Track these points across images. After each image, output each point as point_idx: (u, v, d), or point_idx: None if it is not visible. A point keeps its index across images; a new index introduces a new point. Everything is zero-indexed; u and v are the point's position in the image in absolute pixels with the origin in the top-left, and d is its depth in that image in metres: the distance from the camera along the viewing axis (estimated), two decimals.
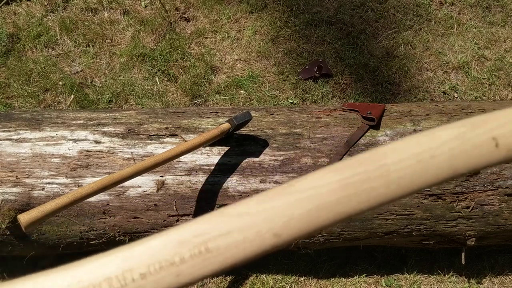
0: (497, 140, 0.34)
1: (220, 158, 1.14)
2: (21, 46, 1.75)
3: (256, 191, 1.10)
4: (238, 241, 0.32)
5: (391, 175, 0.34)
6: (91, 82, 1.69)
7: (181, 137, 1.17)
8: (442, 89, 1.73)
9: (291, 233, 0.32)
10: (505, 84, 1.76)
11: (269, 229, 0.32)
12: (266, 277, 1.37)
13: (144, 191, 1.12)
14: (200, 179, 1.12)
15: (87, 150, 1.14)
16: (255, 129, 1.20)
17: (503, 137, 0.35)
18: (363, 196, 0.34)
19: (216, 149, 1.15)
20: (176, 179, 1.12)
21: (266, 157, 1.15)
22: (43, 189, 1.10)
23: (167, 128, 1.19)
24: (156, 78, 1.70)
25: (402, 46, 1.81)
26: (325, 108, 1.29)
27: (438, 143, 0.35)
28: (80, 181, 1.11)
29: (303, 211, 0.33)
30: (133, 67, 1.72)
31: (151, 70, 1.72)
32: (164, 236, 0.32)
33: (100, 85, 1.68)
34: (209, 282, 1.37)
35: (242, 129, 1.19)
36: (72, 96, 1.64)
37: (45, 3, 1.86)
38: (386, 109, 1.28)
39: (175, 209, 1.12)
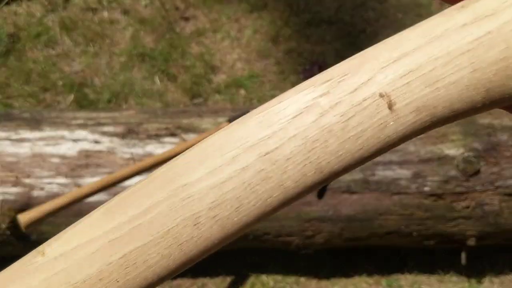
0: (389, 97, 0.19)
1: None
2: (21, 46, 1.75)
3: None
4: None
5: (194, 205, 0.19)
6: (91, 82, 1.69)
7: (181, 137, 1.17)
8: None
9: None
10: None
11: None
12: (266, 278, 1.37)
13: None
14: None
15: (87, 150, 1.14)
16: None
17: (400, 88, 0.19)
18: (154, 251, 0.19)
19: None
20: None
21: None
22: (42, 189, 1.10)
23: (167, 128, 1.19)
24: (156, 78, 1.70)
25: None
26: None
27: (277, 127, 0.19)
28: (79, 181, 1.11)
29: None
30: (133, 67, 1.72)
31: (151, 69, 1.71)
32: None
33: (100, 85, 1.68)
34: (209, 282, 1.37)
35: None
36: (72, 96, 1.64)
37: (46, 3, 1.86)
38: None
39: None
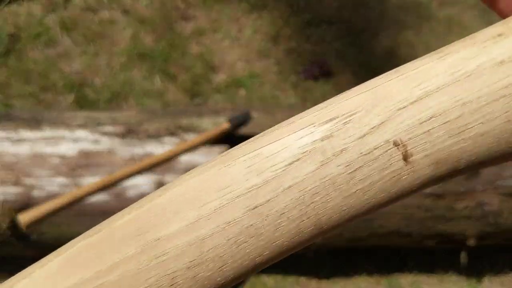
0: (405, 146, 0.16)
1: None
2: (22, 46, 1.75)
3: None
4: None
5: (170, 263, 0.16)
6: (91, 82, 1.69)
7: (181, 137, 1.17)
8: None
9: None
10: None
11: None
12: (266, 277, 1.37)
13: (144, 191, 1.12)
14: None
15: (87, 150, 1.14)
16: (255, 129, 1.20)
17: (419, 136, 0.16)
18: None
19: (216, 149, 1.15)
20: (176, 179, 1.12)
21: None
22: (42, 189, 1.10)
23: (167, 128, 1.19)
24: (156, 78, 1.70)
25: (403, 46, 1.81)
26: None
27: (268, 175, 0.16)
28: (79, 181, 1.11)
29: None
30: (133, 67, 1.72)
31: (151, 69, 1.72)
32: None
33: (100, 85, 1.68)
34: None
35: (242, 129, 1.19)
36: (72, 96, 1.64)
37: (46, 3, 1.86)
38: None
39: None
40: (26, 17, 1.83)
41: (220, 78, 1.72)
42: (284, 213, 0.16)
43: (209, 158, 1.14)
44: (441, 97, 0.16)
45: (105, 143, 1.15)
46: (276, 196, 0.16)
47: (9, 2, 1.86)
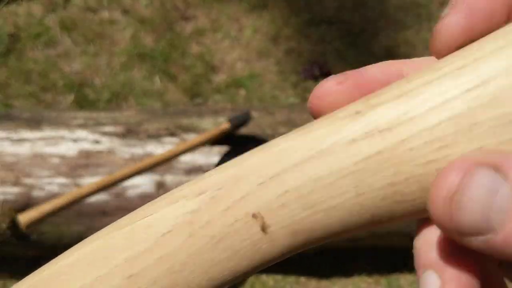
0: (263, 218, 0.17)
1: (220, 158, 1.14)
2: (22, 46, 1.75)
3: None
4: None
5: None
6: (91, 82, 1.69)
7: (181, 137, 1.17)
8: None
9: None
10: None
11: None
12: (266, 277, 1.37)
13: (144, 191, 1.12)
14: None
15: (87, 150, 1.14)
16: (255, 129, 1.20)
17: (275, 209, 0.17)
18: None
19: (216, 149, 1.16)
20: (176, 179, 1.12)
21: None
22: (42, 189, 1.10)
23: (167, 128, 1.19)
24: (156, 78, 1.70)
25: (403, 46, 1.82)
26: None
27: (143, 246, 0.18)
28: (79, 181, 1.11)
29: None
30: (133, 67, 1.72)
31: (151, 69, 1.72)
32: None
33: (100, 85, 1.68)
34: None
35: (242, 129, 1.19)
36: (72, 96, 1.64)
37: (46, 3, 1.86)
38: None
39: None
40: (26, 17, 1.83)
41: (220, 78, 1.72)
42: (156, 281, 0.17)
43: (209, 158, 1.14)
44: (296, 173, 0.17)
45: (105, 143, 1.15)
46: (148, 266, 0.17)
47: (9, 2, 1.86)
